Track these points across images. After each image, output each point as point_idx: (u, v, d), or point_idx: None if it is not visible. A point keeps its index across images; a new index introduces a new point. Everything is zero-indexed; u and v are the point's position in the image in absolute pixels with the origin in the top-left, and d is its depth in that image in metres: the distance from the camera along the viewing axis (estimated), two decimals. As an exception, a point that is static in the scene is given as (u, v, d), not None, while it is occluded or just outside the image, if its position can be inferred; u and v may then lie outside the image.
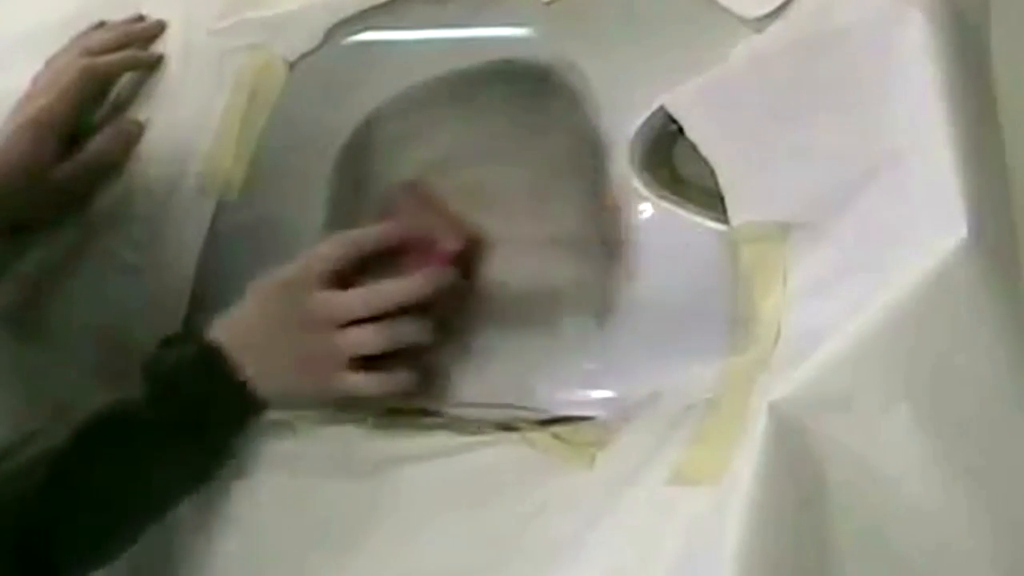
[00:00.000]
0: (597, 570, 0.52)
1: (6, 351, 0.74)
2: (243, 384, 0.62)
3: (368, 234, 0.66)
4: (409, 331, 0.64)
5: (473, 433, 0.63)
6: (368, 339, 0.63)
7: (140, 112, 0.77)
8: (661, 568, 0.48)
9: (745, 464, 0.48)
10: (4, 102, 0.75)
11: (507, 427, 0.63)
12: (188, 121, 0.74)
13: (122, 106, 0.78)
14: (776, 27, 0.62)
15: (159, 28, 0.79)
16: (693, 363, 0.59)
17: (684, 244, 0.61)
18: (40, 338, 0.74)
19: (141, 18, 0.81)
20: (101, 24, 0.81)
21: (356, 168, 0.70)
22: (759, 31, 0.62)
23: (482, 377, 0.65)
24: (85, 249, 0.74)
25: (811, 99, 0.59)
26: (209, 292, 0.70)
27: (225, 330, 0.63)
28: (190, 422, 0.62)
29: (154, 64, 0.78)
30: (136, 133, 0.75)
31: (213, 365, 0.62)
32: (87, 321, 0.73)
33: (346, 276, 0.64)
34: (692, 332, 0.60)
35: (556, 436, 0.61)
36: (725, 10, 0.63)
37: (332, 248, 0.65)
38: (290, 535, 0.63)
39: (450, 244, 0.65)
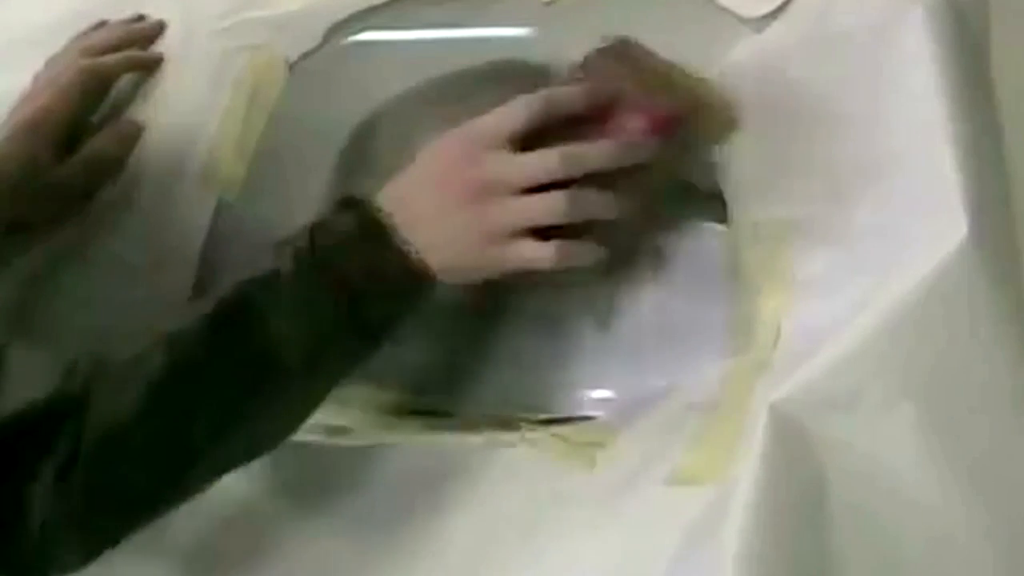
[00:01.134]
0: (597, 570, 0.52)
1: (5, 350, 0.74)
2: (410, 258, 0.56)
3: (567, 93, 0.58)
4: (598, 204, 0.56)
5: (473, 433, 0.63)
6: (556, 206, 0.55)
7: (140, 112, 0.77)
8: (661, 568, 0.48)
9: (745, 464, 0.48)
10: (4, 102, 0.75)
11: (507, 427, 0.63)
12: (188, 121, 0.74)
13: (122, 106, 0.78)
14: (776, 27, 0.62)
15: (159, 28, 0.79)
16: (693, 363, 0.59)
17: (684, 244, 0.61)
18: (40, 337, 0.73)
19: (141, 18, 0.81)
20: (101, 24, 0.81)
21: (356, 167, 0.70)
22: (759, 31, 0.62)
23: (483, 377, 0.65)
24: (86, 249, 0.74)
25: (811, 99, 0.59)
26: (210, 291, 0.70)
27: (393, 199, 0.58)
28: (347, 301, 0.56)
29: (154, 64, 0.78)
30: (136, 133, 0.75)
31: (378, 238, 0.57)
32: (87, 321, 0.72)
33: (525, 140, 0.57)
34: (692, 332, 0.60)
35: (556, 436, 0.61)
36: (725, 10, 0.63)
37: (522, 106, 0.57)
38: (288, 533, 0.63)
39: (659, 110, 0.57)
